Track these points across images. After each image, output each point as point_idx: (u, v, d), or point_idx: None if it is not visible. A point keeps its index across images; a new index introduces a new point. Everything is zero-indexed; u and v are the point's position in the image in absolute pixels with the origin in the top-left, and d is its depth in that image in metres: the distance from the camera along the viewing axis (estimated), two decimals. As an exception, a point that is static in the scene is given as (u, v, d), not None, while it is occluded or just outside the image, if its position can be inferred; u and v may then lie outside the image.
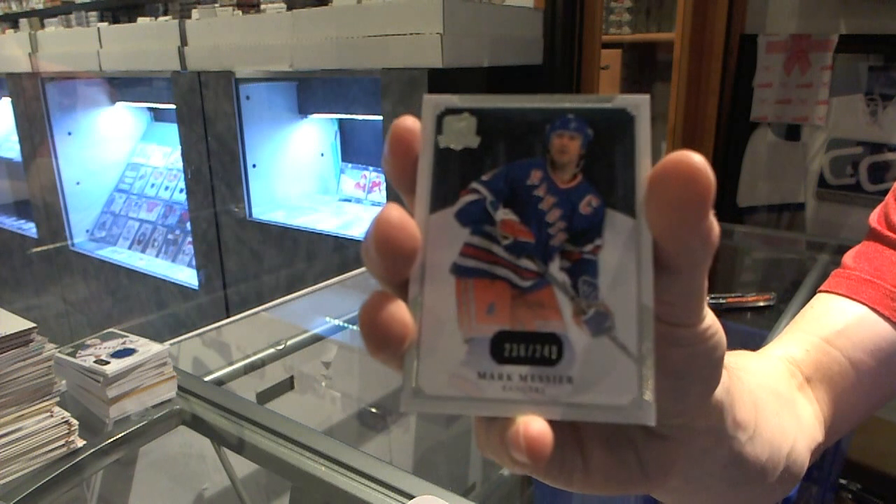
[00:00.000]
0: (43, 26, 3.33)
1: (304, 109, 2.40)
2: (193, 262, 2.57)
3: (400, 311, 0.20)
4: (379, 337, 0.20)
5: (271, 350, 1.31)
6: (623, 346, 0.20)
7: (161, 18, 2.67)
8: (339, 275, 1.63)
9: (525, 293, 0.21)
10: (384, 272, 0.21)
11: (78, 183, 3.05)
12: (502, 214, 0.21)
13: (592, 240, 0.21)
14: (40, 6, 3.54)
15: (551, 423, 0.20)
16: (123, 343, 0.94)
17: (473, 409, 0.21)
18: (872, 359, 0.41)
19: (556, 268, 0.21)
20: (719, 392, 0.26)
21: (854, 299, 0.43)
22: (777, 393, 0.36)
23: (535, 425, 0.20)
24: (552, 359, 0.21)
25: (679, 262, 0.21)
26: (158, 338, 0.97)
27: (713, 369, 0.25)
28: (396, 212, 0.20)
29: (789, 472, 0.34)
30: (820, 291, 0.46)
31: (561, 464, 0.24)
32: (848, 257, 0.46)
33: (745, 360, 0.37)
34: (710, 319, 0.24)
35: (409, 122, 0.22)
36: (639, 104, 0.21)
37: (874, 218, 0.47)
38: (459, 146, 0.22)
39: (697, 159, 0.19)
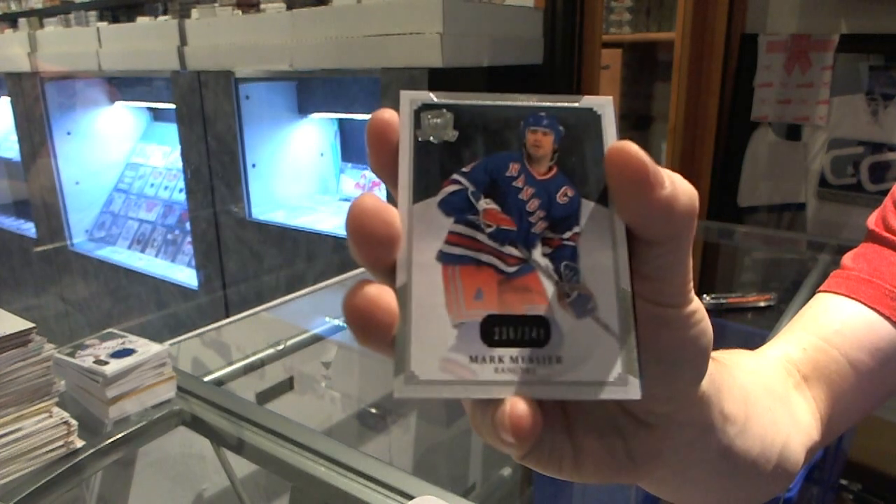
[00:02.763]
0: (42, 26, 3.33)
1: (303, 109, 2.40)
2: (193, 262, 2.57)
3: (383, 296, 0.20)
4: (364, 324, 0.20)
5: (271, 350, 1.31)
6: (606, 325, 0.21)
7: (161, 18, 2.66)
8: (339, 275, 1.64)
9: (511, 278, 0.22)
10: (365, 259, 0.21)
11: (77, 183, 3.04)
12: (484, 204, 0.22)
13: (571, 227, 0.22)
14: (40, 6, 3.53)
15: (543, 407, 0.21)
16: (123, 343, 0.94)
17: (467, 391, 0.21)
18: (871, 358, 0.41)
19: (538, 254, 0.22)
20: (705, 383, 0.27)
21: (853, 299, 0.43)
22: (771, 389, 0.36)
23: (521, 406, 0.20)
24: (541, 340, 0.21)
25: (655, 238, 0.22)
26: (158, 338, 0.97)
27: (700, 356, 0.25)
28: (370, 199, 0.21)
29: (783, 468, 0.34)
30: (819, 292, 0.46)
31: (551, 450, 0.24)
32: (847, 259, 0.46)
33: (740, 357, 0.37)
34: (697, 305, 0.24)
35: (385, 114, 0.22)
36: (603, 104, 0.23)
37: (872, 221, 0.47)
38: (437, 140, 0.22)
39: (629, 145, 0.21)
